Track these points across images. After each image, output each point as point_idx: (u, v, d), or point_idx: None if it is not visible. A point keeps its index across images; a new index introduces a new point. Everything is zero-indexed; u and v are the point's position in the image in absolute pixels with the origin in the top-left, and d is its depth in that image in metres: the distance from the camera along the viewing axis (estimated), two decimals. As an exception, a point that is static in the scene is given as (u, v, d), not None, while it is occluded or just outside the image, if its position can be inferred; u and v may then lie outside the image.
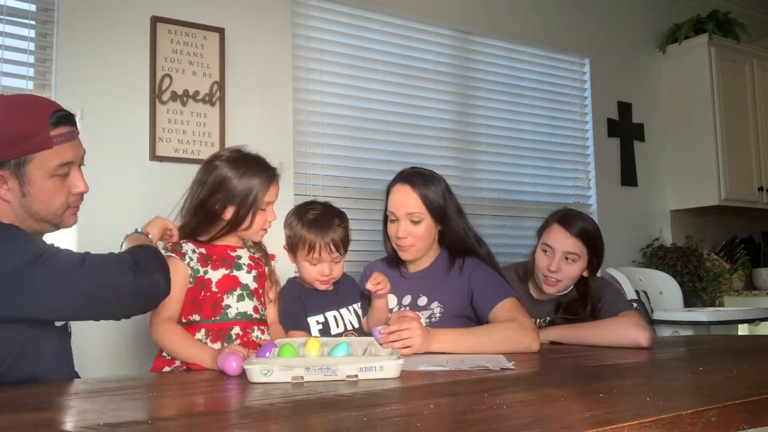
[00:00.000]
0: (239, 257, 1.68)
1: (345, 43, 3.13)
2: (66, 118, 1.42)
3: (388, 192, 2.03)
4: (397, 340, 1.59)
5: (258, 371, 1.25)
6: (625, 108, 4.09)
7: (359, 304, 1.90)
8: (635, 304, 3.32)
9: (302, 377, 1.24)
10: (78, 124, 1.46)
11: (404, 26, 3.31)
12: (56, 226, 1.46)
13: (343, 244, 1.75)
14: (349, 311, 1.86)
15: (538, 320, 2.11)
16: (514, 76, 3.69)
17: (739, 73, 4.23)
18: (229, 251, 1.67)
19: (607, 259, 3.76)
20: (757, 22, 4.85)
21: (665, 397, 1.03)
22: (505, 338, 1.74)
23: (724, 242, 4.41)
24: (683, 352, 1.85)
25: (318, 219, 1.75)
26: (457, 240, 2.01)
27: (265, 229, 1.69)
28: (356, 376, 1.25)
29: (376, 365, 1.26)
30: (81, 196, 1.46)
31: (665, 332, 3.32)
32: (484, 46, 3.59)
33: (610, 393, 1.09)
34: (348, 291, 1.89)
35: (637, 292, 3.51)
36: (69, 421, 1.01)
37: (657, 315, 3.39)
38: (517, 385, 1.19)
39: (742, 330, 3.48)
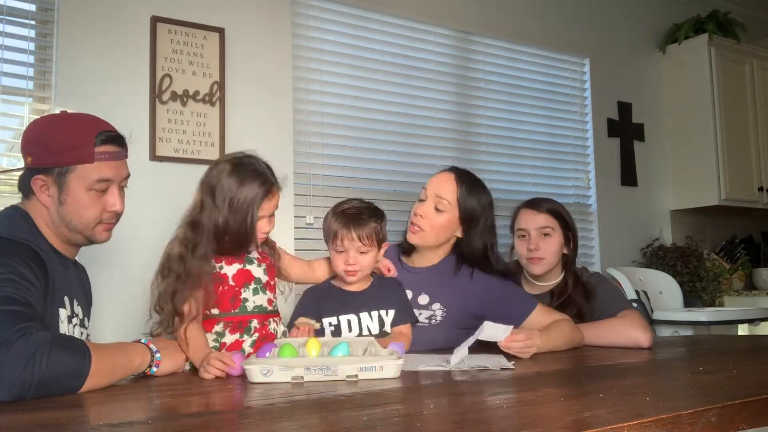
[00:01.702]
0: (249, 251, 1.68)
1: (345, 43, 3.13)
2: (114, 139, 1.51)
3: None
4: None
5: (258, 371, 1.26)
6: (625, 108, 4.09)
7: (393, 311, 1.78)
8: (635, 304, 3.32)
9: (302, 377, 1.24)
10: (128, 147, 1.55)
11: (404, 26, 3.31)
12: (88, 239, 1.52)
13: (367, 236, 1.71)
14: (371, 316, 1.76)
15: None
16: (514, 76, 3.68)
17: (739, 73, 4.23)
18: None
19: (607, 259, 3.83)
20: (757, 22, 4.85)
21: (665, 397, 1.03)
22: (572, 339, 1.84)
23: (724, 242, 4.41)
24: (683, 352, 1.85)
25: (347, 211, 1.75)
26: (474, 252, 1.94)
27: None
28: (356, 376, 1.25)
29: (376, 365, 1.26)
30: (116, 215, 1.53)
31: (665, 332, 3.32)
32: (484, 46, 3.59)
33: (610, 393, 1.09)
34: (379, 295, 1.79)
35: (637, 292, 3.51)
36: (69, 422, 1.01)
37: (657, 315, 3.39)
38: (517, 385, 1.19)
39: (742, 330, 3.48)
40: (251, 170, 1.64)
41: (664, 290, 3.67)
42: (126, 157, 1.56)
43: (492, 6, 3.60)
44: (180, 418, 1.00)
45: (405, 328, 1.77)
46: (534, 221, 2.11)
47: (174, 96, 2.62)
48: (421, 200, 1.94)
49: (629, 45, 4.19)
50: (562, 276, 2.13)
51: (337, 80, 3.09)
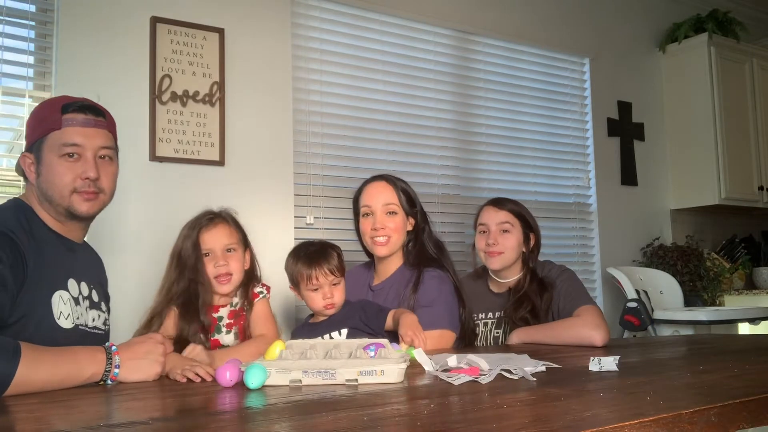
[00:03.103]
0: (220, 318, 1.71)
1: (345, 43, 3.13)
2: (83, 108, 1.52)
3: (359, 194, 2.13)
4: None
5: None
6: (625, 107, 4.09)
7: (356, 323, 1.87)
8: (634, 303, 3.32)
9: (300, 381, 1.23)
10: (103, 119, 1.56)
11: (404, 26, 3.31)
12: (67, 210, 1.50)
13: (337, 268, 1.83)
14: (340, 334, 1.85)
15: (498, 313, 2.18)
16: (513, 75, 3.68)
17: (739, 72, 4.23)
18: (212, 313, 1.70)
19: (608, 258, 3.83)
20: (757, 21, 4.85)
21: (665, 397, 1.03)
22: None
23: (725, 241, 4.41)
24: (683, 352, 1.85)
25: (310, 251, 1.85)
26: (418, 247, 2.07)
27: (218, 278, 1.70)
28: (356, 380, 1.22)
29: (377, 369, 1.23)
30: (92, 183, 1.50)
31: (666, 332, 3.32)
32: (483, 46, 3.58)
33: (610, 393, 1.09)
34: (343, 313, 1.89)
35: (637, 291, 3.51)
36: (69, 422, 1.01)
37: (657, 314, 3.39)
38: (517, 385, 1.18)
39: (743, 329, 3.48)
40: (188, 223, 1.73)
41: (665, 290, 3.67)
42: (104, 127, 1.55)
43: (492, 6, 3.60)
44: (180, 419, 1.00)
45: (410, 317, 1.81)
46: (495, 217, 2.18)
47: (174, 96, 2.62)
48: (366, 215, 2.07)
49: (629, 44, 4.19)
50: (521, 273, 2.18)
51: (336, 80, 3.09)
